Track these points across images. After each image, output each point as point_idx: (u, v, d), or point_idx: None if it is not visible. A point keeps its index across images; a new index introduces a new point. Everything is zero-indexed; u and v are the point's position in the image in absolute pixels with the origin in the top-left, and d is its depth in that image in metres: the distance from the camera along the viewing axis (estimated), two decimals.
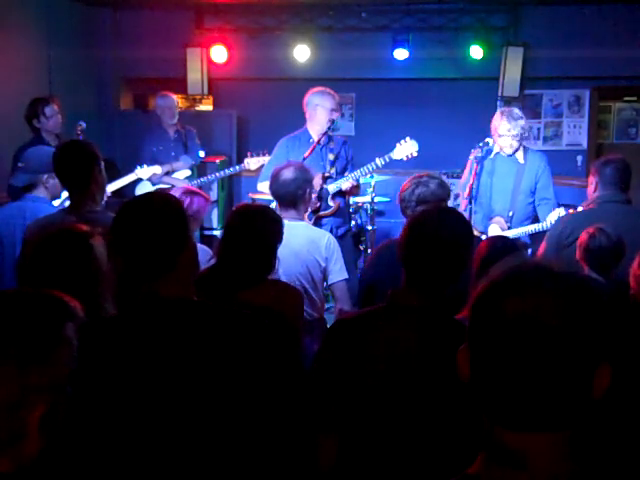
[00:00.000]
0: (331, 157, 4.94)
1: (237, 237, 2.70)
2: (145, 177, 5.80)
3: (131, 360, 1.75)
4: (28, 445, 1.25)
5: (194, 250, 1.90)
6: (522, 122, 4.57)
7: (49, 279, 2.07)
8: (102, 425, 1.73)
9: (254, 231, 2.68)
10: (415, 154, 4.92)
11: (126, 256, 1.82)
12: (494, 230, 4.51)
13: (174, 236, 1.81)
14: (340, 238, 4.75)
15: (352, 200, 5.84)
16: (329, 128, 4.91)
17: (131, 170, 5.72)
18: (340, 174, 4.97)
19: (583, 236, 3.20)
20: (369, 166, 4.92)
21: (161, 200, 1.90)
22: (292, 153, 4.84)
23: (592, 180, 3.80)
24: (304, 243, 3.34)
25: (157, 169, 5.86)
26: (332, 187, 4.87)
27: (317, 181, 4.68)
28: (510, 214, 4.56)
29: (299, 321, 2.83)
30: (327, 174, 4.90)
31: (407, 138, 4.92)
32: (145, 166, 5.76)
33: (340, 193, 4.94)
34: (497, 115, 4.62)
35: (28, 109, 4.89)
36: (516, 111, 4.59)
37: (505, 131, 4.55)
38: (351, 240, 5.45)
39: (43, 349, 1.27)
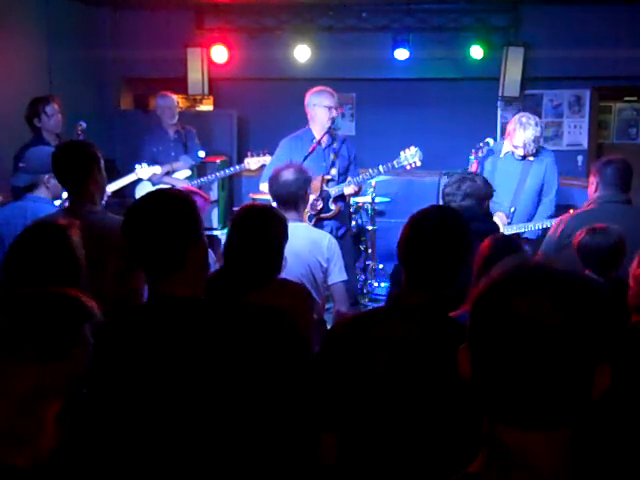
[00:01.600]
0: (332, 157, 4.95)
1: (243, 238, 2.68)
2: (145, 177, 5.79)
3: (140, 358, 1.76)
4: (44, 442, 1.27)
5: (205, 249, 1.91)
6: (538, 129, 4.57)
7: (29, 272, 2.09)
8: (113, 423, 1.74)
9: (260, 231, 2.66)
10: (419, 164, 4.93)
11: (137, 253, 1.82)
12: None
13: (184, 232, 1.82)
14: (340, 239, 4.76)
15: (352, 200, 5.85)
16: (330, 127, 4.91)
17: (131, 170, 5.72)
18: (342, 174, 4.98)
19: (579, 235, 3.19)
20: (372, 171, 4.94)
21: (172, 197, 1.91)
22: (295, 153, 4.84)
23: (593, 180, 3.80)
24: (305, 244, 3.33)
25: (157, 169, 5.85)
26: (334, 190, 4.88)
27: (316, 184, 4.69)
28: (512, 210, 4.58)
29: (310, 319, 2.82)
30: (329, 177, 4.91)
31: (412, 147, 4.93)
32: (145, 165, 5.75)
33: (341, 196, 4.95)
34: (515, 122, 4.60)
35: (29, 108, 4.89)
36: (532, 121, 4.56)
37: (520, 142, 4.57)
38: (350, 241, 5.45)
39: (61, 347, 1.30)
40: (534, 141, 4.57)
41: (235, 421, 1.72)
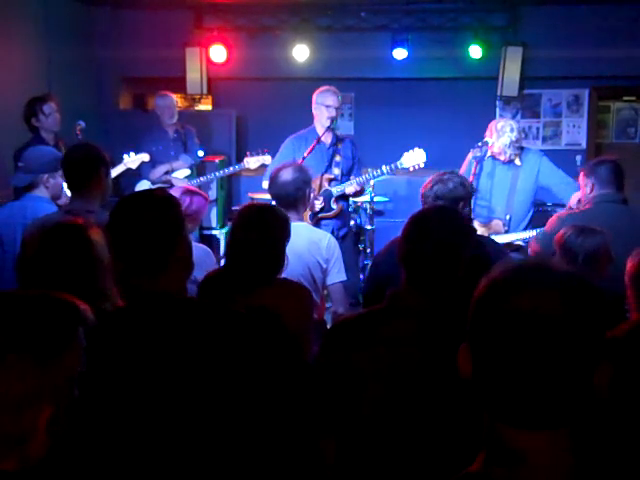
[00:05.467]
0: (337, 158, 4.96)
1: (245, 237, 2.68)
2: (134, 166, 5.68)
3: (124, 360, 1.74)
4: (35, 445, 1.27)
5: (188, 249, 1.89)
6: (514, 134, 4.58)
7: (50, 275, 2.08)
8: (102, 425, 1.72)
9: (262, 231, 2.66)
10: (422, 165, 4.95)
11: (119, 252, 1.82)
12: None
13: (165, 232, 1.80)
14: (341, 239, 4.78)
15: (351, 200, 5.87)
16: (329, 127, 4.93)
17: (126, 164, 5.65)
18: (346, 175, 4.99)
19: (565, 232, 3.10)
20: (375, 172, 4.95)
21: (155, 198, 1.89)
22: (298, 152, 4.86)
23: (586, 181, 3.79)
24: (305, 244, 3.33)
25: (145, 157, 5.73)
26: (336, 190, 4.89)
27: (316, 183, 4.69)
28: (507, 217, 4.58)
29: (310, 319, 2.81)
30: (331, 176, 4.92)
31: (416, 148, 4.95)
32: (132, 154, 5.64)
33: (343, 196, 4.96)
34: (491, 130, 4.64)
35: (26, 108, 4.89)
36: (507, 127, 4.59)
37: (497, 149, 4.61)
38: (352, 241, 5.46)
39: (55, 351, 1.29)
40: (510, 146, 4.59)
41: (228, 423, 1.70)
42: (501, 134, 4.57)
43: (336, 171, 4.96)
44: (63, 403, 1.30)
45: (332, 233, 4.62)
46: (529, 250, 3.98)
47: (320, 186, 4.84)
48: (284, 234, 2.74)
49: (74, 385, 1.33)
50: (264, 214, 2.73)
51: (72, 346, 1.33)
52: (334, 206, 4.89)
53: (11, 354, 1.26)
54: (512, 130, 4.58)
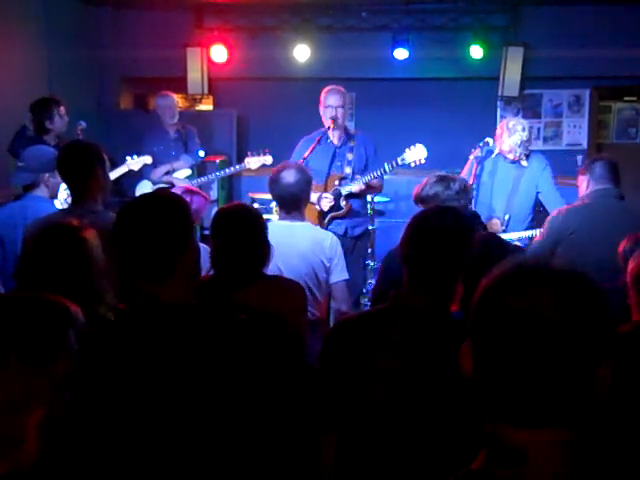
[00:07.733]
0: (350, 157, 4.96)
1: (221, 240, 2.72)
2: (136, 168, 5.70)
3: (128, 365, 1.73)
4: (26, 449, 1.26)
5: (196, 252, 1.86)
6: (525, 134, 4.59)
7: (44, 275, 2.08)
8: (100, 430, 1.71)
9: (234, 229, 2.69)
10: (424, 161, 4.95)
11: (126, 255, 1.80)
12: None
13: (174, 236, 1.78)
14: (357, 238, 4.81)
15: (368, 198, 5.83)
16: (329, 127, 4.93)
17: (124, 163, 5.66)
18: (358, 173, 4.98)
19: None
20: (376, 173, 4.95)
21: (163, 199, 1.87)
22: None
23: (582, 179, 3.85)
24: (309, 244, 3.34)
25: (147, 159, 5.76)
26: (344, 189, 4.89)
27: (330, 183, 4.74)
28: (506, 217, 4.58)
29: (302, 317, 2.82)
30: (342, 175, 4.92)
31: (417, 144, 4.95)
32: (135, 157, 5.66)
33: (359, 195, 4.95)
34: (503, 128, 4.64)
35: (40, 110, 4.76)
36: (519, 126, 4.59)
37: (507, 147, 4.61)
38: (368, 241, 5.48)
39: (45, 354, 1.29)
40: (520, 146, 4.60)
41: (226, 426, 1.70)
42: (512, 132, 4.57)
43: (347, 170, 4.96)
44: (56, 405, 1.30)
45: (345, 232, 4.69)
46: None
47: (328, 185, 4.84)
48: (257, 227, 2.75)
49: (65, 387, 1.33)
50: (232, 214, 2.78)
51: (63, 348, 1.32)
52: (343, 205, 4.90)
53: (6, 356, 1.25)
54: (524, 129, 4.59)
